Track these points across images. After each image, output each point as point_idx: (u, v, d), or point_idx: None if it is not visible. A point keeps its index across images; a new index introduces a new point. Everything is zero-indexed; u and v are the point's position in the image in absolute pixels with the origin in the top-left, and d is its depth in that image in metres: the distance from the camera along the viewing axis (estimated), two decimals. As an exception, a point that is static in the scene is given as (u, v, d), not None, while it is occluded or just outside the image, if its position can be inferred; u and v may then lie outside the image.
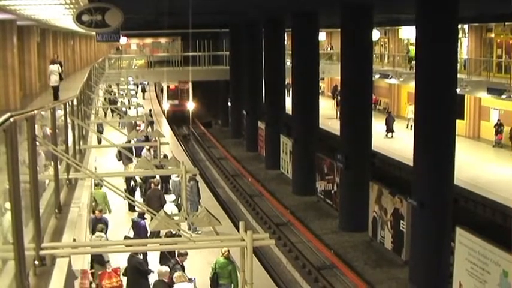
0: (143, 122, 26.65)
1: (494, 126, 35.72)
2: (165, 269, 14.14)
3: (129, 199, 13.93)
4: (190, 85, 56.41)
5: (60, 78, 22.49)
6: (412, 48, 45.06)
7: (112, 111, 32.74)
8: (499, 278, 16.53)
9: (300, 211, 30.06)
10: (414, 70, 41.77)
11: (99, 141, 21.51)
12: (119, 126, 32.06)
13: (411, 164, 22.27)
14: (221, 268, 14.75)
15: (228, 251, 14.40)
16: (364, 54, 27.13)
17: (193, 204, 20.76)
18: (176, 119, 55.17)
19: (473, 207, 26.32)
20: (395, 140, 38.12)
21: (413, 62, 43.07)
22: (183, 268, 14.69)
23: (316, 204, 30.92)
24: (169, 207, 18.08)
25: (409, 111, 43.51)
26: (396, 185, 25.22)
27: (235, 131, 49.77)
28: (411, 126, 41.95)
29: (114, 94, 39.69)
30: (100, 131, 29.58)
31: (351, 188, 27.04)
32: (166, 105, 58.67)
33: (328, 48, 58.40)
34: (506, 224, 23.35)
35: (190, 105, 54.90)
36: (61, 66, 24.86)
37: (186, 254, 14.68)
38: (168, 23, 44.87)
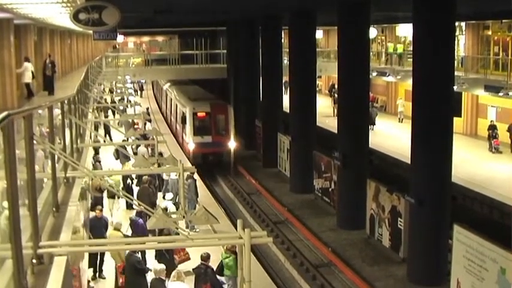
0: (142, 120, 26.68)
1: (488, 130, 34.88)
2: (161, 266, 14.19)
3: (127, 197, 13.96)
4: (231, 111, 38.09)
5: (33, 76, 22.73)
6: (391, 45, 47.42)
7: (113, 111, 32.81)
8: (496, 275, 16.54)
9: (298, 209, 30.06)
10: (391, 65, 44.08)
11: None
12: (118, 125, 32.15)
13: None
14: (224, 259, 15.28)
15: (234, 246, 14.46)
16: (361, 52, 27.12)
17: (191, 202, 20.78)
18: (208, 164, 36.17)
19: (471, 205, 26.36)
20: (374, 133, 38.67)
21: (394, 58, 45.28)
22: (213, 271, 14.80)
23: (313, 202, 30.92)
24: (167, 206, 18.14)
25: (400, 105, 44.57)
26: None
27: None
28: (401, 119, 44.00)
29: (120, 93, 39.84)
30: (108, 131, 29.70)
31: (348, 186, 27.04)
32: (192, 144, 36.62)
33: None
34: (504, 221, 23.38)
35: (232, 144, 37.22)
36: (54, 66, 24.88)
37: (209, 256, 14.88)
38: (165, 21, 44.96)
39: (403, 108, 44.09)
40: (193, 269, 15.15)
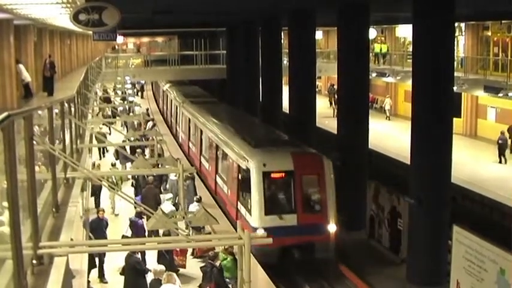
0: (148, 121, 26.76)
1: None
2: (160, 267, 14.22)
3: (126, 199, 13.93)
4: (329, 166, 21.54)
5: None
6: (377, 45, 48.72)
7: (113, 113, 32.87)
8: (496, 276, 16.55)
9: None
10: (381, 65, 44.65)
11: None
12: (122, 126, 32.20)
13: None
14: (222, 261, 15.14)
15: (231, 247, 14.47)
16: (360, 52, 27.12)
17: (190, 203, 20.78)
18: (290, 264, 21.03)
19: (471, 206, 26.37)
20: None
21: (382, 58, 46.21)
22: (219, 270, 14.82)
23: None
24: (167, 207, 18.18)
25: (387, 103, 47.56)
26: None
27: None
28: (389, 117, 46.50)
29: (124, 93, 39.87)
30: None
31: (348, 187, 26.99)
32: (261, 230, 18.73)
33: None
34: (503, 222, 23.38)
35: (332, 227, 21.07)
36: (54, 67, 24.92)
37: (216, 255, 14.97)
38: (164, 22, 44.89)
39: (390, 106, 47.41)
40: (200, 267, 15.22)
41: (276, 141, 24.12)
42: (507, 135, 33.58)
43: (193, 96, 40.06)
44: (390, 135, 39.25)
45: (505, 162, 31.73)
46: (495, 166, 30.89)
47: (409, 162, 22.27)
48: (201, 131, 30.50)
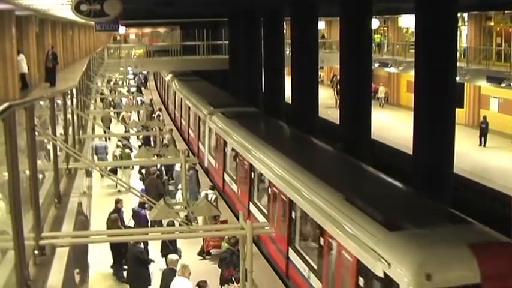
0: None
1: None
2: (175, 257, 14.27)
3: (125, 186, 13.97)
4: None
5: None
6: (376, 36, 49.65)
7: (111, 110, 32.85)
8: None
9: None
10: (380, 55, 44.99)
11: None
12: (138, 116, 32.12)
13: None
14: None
15: (234, 236, 14.45)
16: (363, 43, 27.04)
17: (192, 193, 20.80)
18: None
19: (473, 196, 26.35)
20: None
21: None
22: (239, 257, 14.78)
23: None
24: (179, 196, 18.38)
25: (381, 91, 48.78)
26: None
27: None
28: (382, 104, 47.71)
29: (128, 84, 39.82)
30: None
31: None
32: None
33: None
34: (505, 213, 23.37)
35: None
36: (56, 58, 24.90)
37: (237, 242, 14.98)
38: (167, 12, 44.81)
39: (384, 94, 48.80)
40: (221, 253, 15.23)
41: (426, 217, 12.60)
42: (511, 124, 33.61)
43: (222, 104, 29.30)
44: (385, 122, 39.30)
45: (484, 145, 33.84)
46: (497, 156, 30.90)
47: (403, 150, 22.27)
48: (251, 168, 20.03)
